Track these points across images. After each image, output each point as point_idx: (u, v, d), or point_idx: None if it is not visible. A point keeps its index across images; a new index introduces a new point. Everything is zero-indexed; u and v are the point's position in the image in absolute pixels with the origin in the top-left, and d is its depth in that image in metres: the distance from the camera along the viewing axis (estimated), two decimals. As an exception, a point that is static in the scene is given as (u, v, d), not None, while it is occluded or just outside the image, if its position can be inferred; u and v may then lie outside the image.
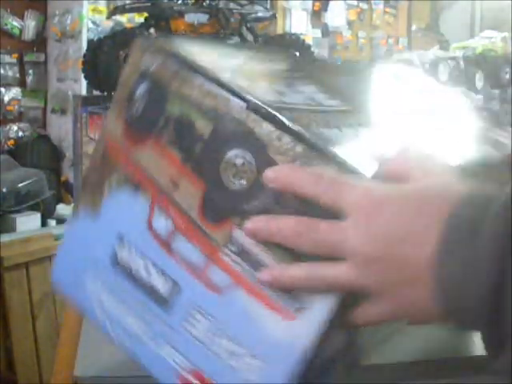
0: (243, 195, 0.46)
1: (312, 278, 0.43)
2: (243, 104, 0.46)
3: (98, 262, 0.54)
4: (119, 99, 0.54)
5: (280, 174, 0.44)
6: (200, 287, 0.49)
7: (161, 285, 0.51)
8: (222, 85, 0.48)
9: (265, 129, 0.46)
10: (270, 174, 0.44)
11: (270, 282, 0.44)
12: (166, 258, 0.50)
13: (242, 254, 0.47)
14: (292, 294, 0.45)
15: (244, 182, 0.46)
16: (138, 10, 1.85)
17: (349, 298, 0.45)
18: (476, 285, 0.38)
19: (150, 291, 0.51)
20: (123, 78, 0.54)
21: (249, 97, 0.47)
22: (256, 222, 0.45)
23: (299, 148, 0.45)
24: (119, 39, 1.54)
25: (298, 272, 0.44)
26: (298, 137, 0.45)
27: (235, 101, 0.47)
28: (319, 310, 0.45)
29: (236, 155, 0.47)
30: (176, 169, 0.50)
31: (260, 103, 0.46)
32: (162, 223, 0.50)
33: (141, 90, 0.52)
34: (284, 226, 0.44)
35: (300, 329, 0.45)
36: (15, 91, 3.24)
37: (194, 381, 0.50)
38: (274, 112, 0.46)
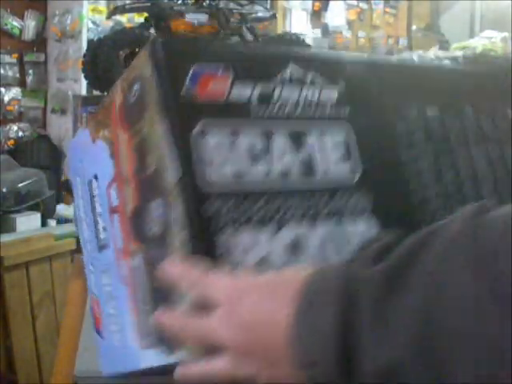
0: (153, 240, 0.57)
1: (204, 375, 0.48)
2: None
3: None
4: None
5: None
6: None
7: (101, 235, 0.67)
8: None
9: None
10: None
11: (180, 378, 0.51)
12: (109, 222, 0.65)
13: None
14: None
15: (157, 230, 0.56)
16: (138, 10, 1.85)
17: None
18: (324, 348, 0.41)
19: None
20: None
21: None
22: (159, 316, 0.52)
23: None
24: (119, 39, 1.54)
25: (193, 371, 0.49)
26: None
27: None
28: None
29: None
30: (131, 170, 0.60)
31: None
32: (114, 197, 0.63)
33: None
34: (172, 322, 0.51)
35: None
36: (15, 91, 3.24)
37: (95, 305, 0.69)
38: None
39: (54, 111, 3.32)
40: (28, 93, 3.31)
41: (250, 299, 0.46)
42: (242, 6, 1.77)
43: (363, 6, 4.97)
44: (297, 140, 0.59)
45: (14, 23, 3.23)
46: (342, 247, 0.58)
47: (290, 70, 0.60)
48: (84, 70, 1.66)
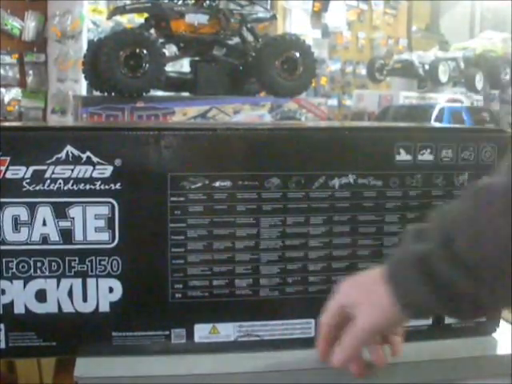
0: None
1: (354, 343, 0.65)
2: None
3: None
4: None
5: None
6: None
7: None
8: None
9: None
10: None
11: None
12: None
13: None
14: None
15: None
16: (139, 11, 1.85)
17: None
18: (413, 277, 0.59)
19: None
20: None
21: None
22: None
23: None
24: (119, 40, 1.54)
25: (340, 354, 0.66)
26: None
27: None
28: None
29: None
30: None
31: None
32: None
33: None
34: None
35: None
36: (15, 92, 3.25)
37: None
38: None
39: (54, 112, 3.32)
40: (28, 93, 3.31)
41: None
42: (242, 6, 1.77)
43: (363, 6, 4.97)
44: (60, 211, 0.72)
45: (14, 24, 3.23)
46: (84, 299, 0.74)
47: (67, 151, 0.72)
48: (84, 71, 1.66)
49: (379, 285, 0.62)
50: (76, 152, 0.72)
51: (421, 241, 0.60)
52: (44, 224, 0.73)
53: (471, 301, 0.57)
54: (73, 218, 0.73)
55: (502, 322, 0.85)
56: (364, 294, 0.64)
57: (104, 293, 0.75)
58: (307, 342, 0.79)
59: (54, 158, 0.72)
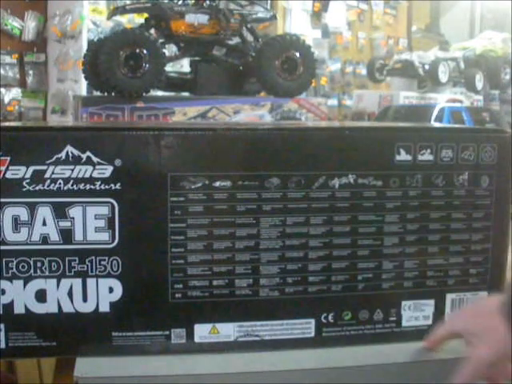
0: None
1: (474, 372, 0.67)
2: None
3: None
4: None
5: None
6: None
7: None
8: None
9: None
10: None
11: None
12: None
13: None
14: None
15: None
16: (139, 11, 1.85)
17: None
18: None
19: None
20: None
21: None
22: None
23: None
24: (119, 40, 1.54)
25: (465, 374, 0.67)
26: None
27: None
28: None
29: None
30: None
31: None
32: None
33: None
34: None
35: None
36: (15, 92, 3.25)
37: None
38: None
39: (54, 111, 3.32)
40: (28, 93, 3.31)
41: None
42: (242, 6, 1.77)
43: (363, 6, 4.97)
44: (60, 211, 0.72)
45: (14, 24, 3.23)
46: (84, 299, 0.74)
47: (67, 151, 0.72)
48: (84, 71, 1.66)
49: (496, 316, 0.65)
50: (76, 152, 0.72)
51: None
52: (44, 224, 0.73)
53: None
54: (73, 218, 0.73)
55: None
56: (482, 325, 0.67)
57: (104, 293, 0.75)
58: (307, 342, 0.79)
59: (53, 158, 0.72)
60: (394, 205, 0.79)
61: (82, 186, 0.73)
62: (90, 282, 0.75)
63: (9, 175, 0.72)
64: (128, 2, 1.96)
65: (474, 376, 0.67)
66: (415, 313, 0.82)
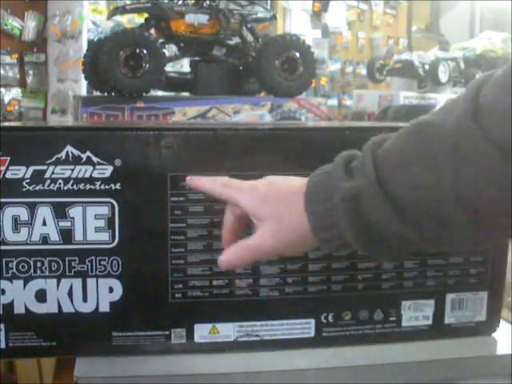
0: None
1: (247, 259, 0.62)
2: None
3: None
4: None
5: (193, 180, 0.69)
6: None
7: None
8: None
9: None
10: (188, 180, 0.70)
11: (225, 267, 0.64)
12: None
13: None
14: None
15: None
16: (139, 11, 1.85)
17: None
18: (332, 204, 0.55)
19: None
20: None
21: None
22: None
23: None
24: (119, 40, 1.54)
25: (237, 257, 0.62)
26: None
27: None
28: None
29: None
30: None
31: None
32: None
33: None
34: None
35: None
36: (15, 92, 3.24)
37: None
38: None
39: (54, 111, 3.32)
40: (28, 93, 3.31)
41: (264, 187, 0.63)
42: (242, 6, 1.77)
43: (363, 6, 4.97)
44: (60, 211, 0.73)
45: (14, 24, 3.23)
46: (84, 299, 0.75)
47: (67, 151, 0.72)
48: (84, 71, 1.66)
49: (296, 206, 0.57)
50: (76, 152, 0.72)
51: (352, 177, 0.55)
52: (44, 224, 0.73)
53: (396, 239, 0.53)
54: (73, 218, 0.73)
55: (502, 322, 0.85)
56: (277, 212, 0.59)
57: (104, 293, 0.75)
58: (307, 342, 0.79)
59: (53, 158, 0.72)
60: None
61: (82, 186, 0.73)
62: (90, 281, 0.75)
63: (9, 175, 0.72)
64: (128, 2, 1.96)
65: (244, 262, 0.62)
66: (415, 313, 0.82)
